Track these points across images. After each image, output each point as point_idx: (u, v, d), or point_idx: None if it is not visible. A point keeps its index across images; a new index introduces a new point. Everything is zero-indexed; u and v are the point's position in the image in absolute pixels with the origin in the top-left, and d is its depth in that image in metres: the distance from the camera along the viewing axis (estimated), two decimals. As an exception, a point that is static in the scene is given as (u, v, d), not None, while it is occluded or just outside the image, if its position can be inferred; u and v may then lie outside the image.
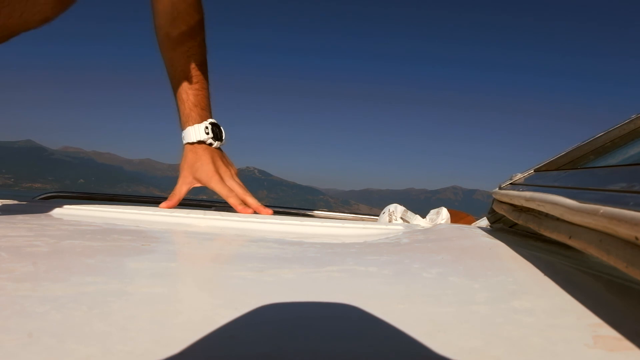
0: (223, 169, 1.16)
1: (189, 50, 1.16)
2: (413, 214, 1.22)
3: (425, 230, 0.72)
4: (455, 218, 1.19)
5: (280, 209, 1.51)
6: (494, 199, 0.71)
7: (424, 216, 1.20)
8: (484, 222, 1.11)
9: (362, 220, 1.48)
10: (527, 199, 0.50)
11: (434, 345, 0.22)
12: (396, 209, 1.22)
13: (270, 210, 1.11)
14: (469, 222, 1.24)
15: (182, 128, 1.18)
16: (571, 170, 0.59)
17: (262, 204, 1.12)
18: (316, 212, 1.58)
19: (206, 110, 1.19)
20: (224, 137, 1.20)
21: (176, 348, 0.21)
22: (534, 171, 0.69)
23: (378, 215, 1.33)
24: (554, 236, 0.41)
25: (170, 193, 1.14)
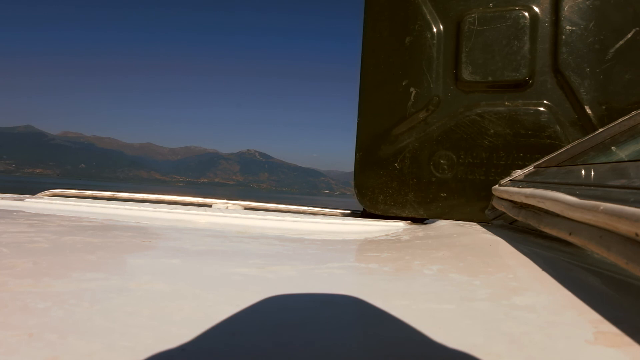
0: None
1: None
2: None
3: (425, 227, 0.72)
4: None
5: (282, 206, 1.51)
6: (494, 196, 0.71)
7: None
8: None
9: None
10: (527, 196, 0.50)
11: (435, 341, 0.22)
12: None
13: None
14: None
15: None
16: (571, 167, 0.59)
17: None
18: (317, 209, 1.58)
19: None
20: None
21: (178, 344, 0.21)
22: (534, 167, 0.69)
23: None
24: (554, 233, 0.41)
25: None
